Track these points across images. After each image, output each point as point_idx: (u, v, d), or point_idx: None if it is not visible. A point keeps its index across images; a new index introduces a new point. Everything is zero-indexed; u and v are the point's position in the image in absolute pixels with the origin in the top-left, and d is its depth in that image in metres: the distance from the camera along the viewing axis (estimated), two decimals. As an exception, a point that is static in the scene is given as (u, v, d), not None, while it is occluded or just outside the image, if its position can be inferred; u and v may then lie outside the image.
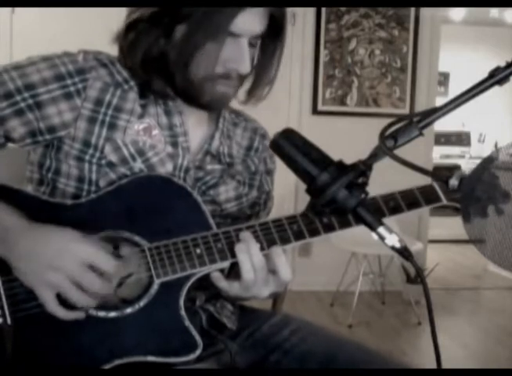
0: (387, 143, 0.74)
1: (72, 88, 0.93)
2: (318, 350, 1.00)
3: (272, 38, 1.00)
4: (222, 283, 0.91)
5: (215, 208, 1.04)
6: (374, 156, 0.75)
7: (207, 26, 0.91)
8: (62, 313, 0.84)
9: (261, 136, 1.15)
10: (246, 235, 0.90)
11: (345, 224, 0.92)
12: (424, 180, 0.94)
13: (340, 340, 1.04)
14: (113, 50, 1.00)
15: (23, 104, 0.91)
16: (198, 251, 0.90)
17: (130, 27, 0.95)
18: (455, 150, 6.34)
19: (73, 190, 0.95)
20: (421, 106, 3.88)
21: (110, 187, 0.92)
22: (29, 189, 1.00)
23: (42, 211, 0.90)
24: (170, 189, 0.93)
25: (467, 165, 5.57)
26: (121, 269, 0.89)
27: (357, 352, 1.01)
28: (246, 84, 1.04)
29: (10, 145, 0.97)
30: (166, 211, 0.92)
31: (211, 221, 0.93)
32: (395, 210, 0.93)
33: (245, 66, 0.95)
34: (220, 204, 1.05)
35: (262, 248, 0.90)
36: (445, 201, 0.94)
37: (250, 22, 0.93)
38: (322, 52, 3.83)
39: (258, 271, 0.88)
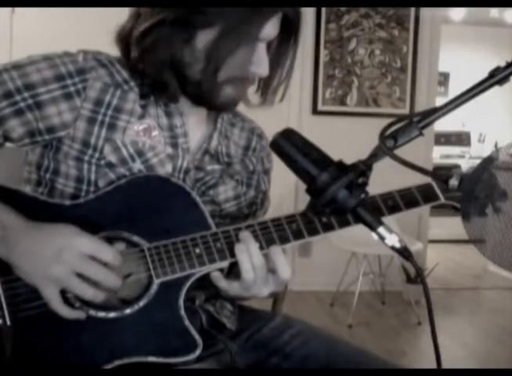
0: (387, 143, 0.74)
1: (72, 89, 0.93)
2: (319, 354, 1.00)
3: (284, 41, 1.00)
4: (222, 283, 0.91)
5: (215, 208, 1.04)
6: (374, 156, 0.75)
7: (238, 34, 0.91)
8: (65, 311, 0.84)
9: (258, 136, 1.15)
10: (245, 235, 0.90)
11: (344, 223, 0.92)
12: (424, 180, 0.94)
13: (340, 344, 1.04)
14: (113, 50, 0.99)
15: (22, 104, 0.91)
16: (197, 250, 0.89)
17: (148, 30, 0.92)
18: (455, 150, 6.34)
19: (71, 191, 0.95)
20: (421, 106, 3.88)
21: (109, 187, 0.92)
22: (27, 189, 1.00)
23: (41, 211, 0.89)
24: (168, 189, 0.93)
25: (467, 165, 5.57)
26: (121, 265, 0.89)
27: (358, 356, 1.01)
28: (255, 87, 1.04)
29: (8, 145, 0.96)
30: (165, 211, 0.92)
31: (210, 220, 0.93)
32: (394, 209, 0.93)
33: (265, 70, 0.96)
34: (219, 204, 1.05)
35: (261, 248, 0.90)
36: (443, 199, 0.95)
37: (271, 27, 0.94)
38: (322, 52, 3.83)
39: (258, 270, 0.88)
